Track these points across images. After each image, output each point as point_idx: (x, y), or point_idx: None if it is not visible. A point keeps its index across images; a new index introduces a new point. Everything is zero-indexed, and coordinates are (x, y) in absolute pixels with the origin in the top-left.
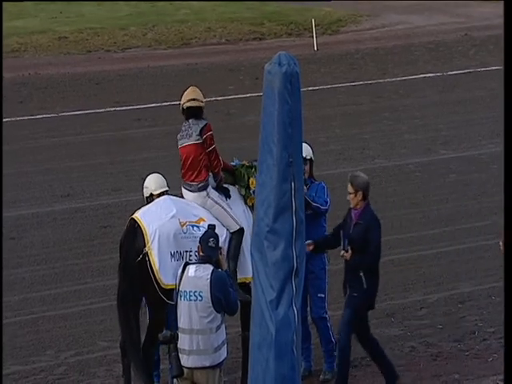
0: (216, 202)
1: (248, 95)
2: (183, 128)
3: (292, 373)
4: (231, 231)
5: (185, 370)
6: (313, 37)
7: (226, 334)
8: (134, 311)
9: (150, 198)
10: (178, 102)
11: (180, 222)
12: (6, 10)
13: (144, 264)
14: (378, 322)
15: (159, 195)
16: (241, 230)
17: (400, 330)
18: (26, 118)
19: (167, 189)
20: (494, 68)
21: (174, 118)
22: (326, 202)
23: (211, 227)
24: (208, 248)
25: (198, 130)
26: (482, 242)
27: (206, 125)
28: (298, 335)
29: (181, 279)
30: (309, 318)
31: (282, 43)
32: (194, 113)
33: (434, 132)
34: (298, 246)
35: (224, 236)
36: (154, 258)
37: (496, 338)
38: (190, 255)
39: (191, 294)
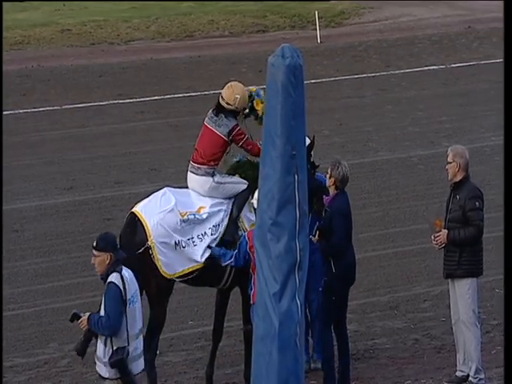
0: (221, 183)
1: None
2: (216, 113)
3: (295, 365)
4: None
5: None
6: (316, 29)
7: (230, 326)
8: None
9: None
10: (181, 95)
11: (180, 213)
12: (9, 3)
13: (147, 257)
14: (381, 315)
15: None
16: (247, 187)
17: (403, 322)
18: (29, 110)
19: None
20: (497, 60)
21: (177, 111)
22: None
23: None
24: (115, 248)
25: (227, 130)
26: (486, 234)
27: (233, 127)
28: (302, 328)
29: (125, 288)
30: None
31: (285, 36)
32: (221, 110)
33: (437, 124)
34: (302, 238)
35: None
36: (156, 251)
37: (499, 330)
38: (194, 241)
39: (134, 295)
